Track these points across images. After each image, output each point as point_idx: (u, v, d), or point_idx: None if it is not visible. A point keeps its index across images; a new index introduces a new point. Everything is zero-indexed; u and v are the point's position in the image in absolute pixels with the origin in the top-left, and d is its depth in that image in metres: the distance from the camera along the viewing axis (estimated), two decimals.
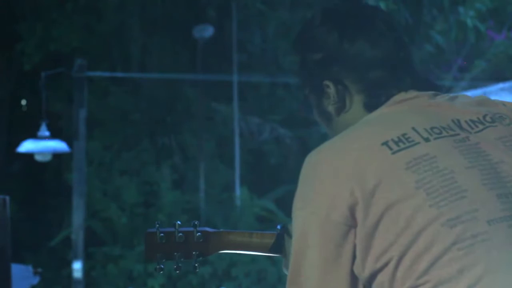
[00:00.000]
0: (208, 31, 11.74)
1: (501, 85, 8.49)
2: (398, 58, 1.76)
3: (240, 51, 12.18)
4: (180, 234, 1.94)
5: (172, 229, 1.95)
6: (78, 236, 10.58)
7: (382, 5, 9.74)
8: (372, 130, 1.67)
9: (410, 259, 1.55)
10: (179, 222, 1.96)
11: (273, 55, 12.13)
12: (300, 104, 1.89)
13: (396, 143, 1.63)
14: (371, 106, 1.75)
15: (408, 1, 10.98)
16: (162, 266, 1.96)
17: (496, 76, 10.96)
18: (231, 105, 11.93)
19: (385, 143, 1.63)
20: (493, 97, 1.82)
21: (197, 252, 1.95)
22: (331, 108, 1.79)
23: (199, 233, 1.95)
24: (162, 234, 1.94)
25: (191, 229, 1.95)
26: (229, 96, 11.89)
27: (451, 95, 1.78)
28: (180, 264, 1.95)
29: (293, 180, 1.69)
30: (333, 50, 1.76)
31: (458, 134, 1.67)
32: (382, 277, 1.58)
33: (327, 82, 1.77)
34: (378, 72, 1.74)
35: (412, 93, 1.75)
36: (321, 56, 1.77)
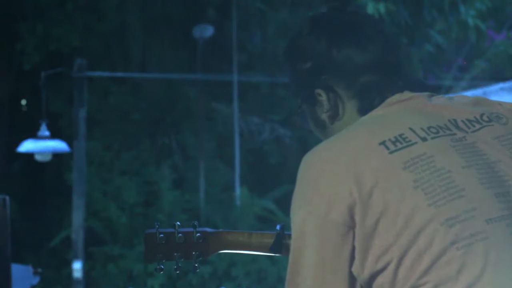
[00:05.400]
0: (208, 31, 11.76)
1: (501, 85, 8.49)
2: (387, 62, 1.76)
3: (240, 51, 12.18)
4: (180, 234, 1.95)
5: (172, 230, 1.95)
6: (78, 236, 10.59)
7: (382, 7, 9.74)
8: (369, 130, 1.67)
9: (410, 260, 1.55)
10: (178, 223, 1.96)
11: (273, 55, 12.12)
12: (294, 114, 1.89)
13: (393, 143, 1.63)
14: (365, 110, 1.75)
15: (408, 2, 10.97)
16: (162, 267, 1.96)
17: (496, 76, 10.97)
18: (231, 105, 11.93)
19: (383, 143, 1.63)
20: (493, 97, 1.82)
21: (197, 253, 1.96)
22: (324, 117, 1.79)
23: (198, 234, 1.95)
24: (162, 235, 1.95)
25: (191, 229, 1.96)
26: (229, 96, 11.90)
27: (447, 95, 1.78)
28: (180, 265, 1.96)
29: (293, 180, 1.69)
30: (322, 58, 1.76)
31: (455, 134, 1.67)
32: (382, 278, 1.58)
33: (318, 91, 1.78)
34: (369, 77, 1.75)
35: (408, 94, 1.75)
36: (310, 65, 1.77)
